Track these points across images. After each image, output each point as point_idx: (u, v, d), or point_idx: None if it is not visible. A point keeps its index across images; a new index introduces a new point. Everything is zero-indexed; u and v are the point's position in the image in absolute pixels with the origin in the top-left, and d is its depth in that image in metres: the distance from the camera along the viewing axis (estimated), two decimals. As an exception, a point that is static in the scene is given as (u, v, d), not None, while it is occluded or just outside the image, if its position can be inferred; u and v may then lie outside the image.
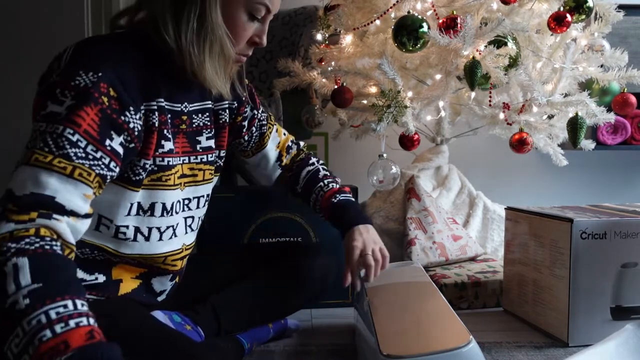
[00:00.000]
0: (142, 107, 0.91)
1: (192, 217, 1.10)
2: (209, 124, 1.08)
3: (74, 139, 0.81)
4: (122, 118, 0.87)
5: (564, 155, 1.67)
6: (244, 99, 1.16)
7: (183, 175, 1.05)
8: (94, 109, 0.83)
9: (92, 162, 0.83)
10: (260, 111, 1.23)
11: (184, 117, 1.03)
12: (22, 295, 0.70)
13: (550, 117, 1.62)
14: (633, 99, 1.54)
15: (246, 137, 1.23)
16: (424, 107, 1.55)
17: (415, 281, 1.20)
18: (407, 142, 1.57)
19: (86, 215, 0.84)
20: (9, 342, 0.69)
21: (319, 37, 1.74)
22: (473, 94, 1.64)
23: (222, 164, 1.16)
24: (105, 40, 0.92)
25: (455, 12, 1.42)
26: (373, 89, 1.59)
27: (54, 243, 0.76)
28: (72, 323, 0.70)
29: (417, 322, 0.99)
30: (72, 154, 0.81)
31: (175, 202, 1.03)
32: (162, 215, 1.01)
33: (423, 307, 1.05)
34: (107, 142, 0.85)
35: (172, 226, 1.04)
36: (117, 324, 0.86)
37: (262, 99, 1.78)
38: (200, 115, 1.06)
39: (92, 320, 0.72)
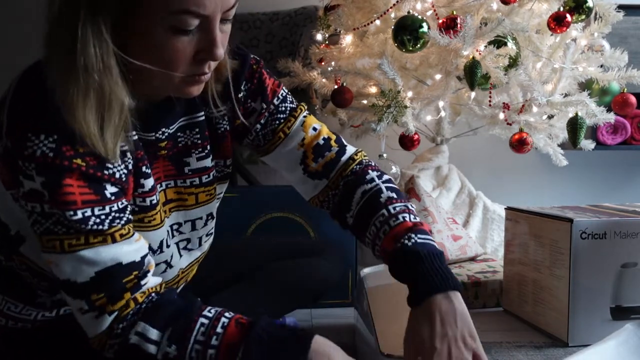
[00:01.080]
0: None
1: (188, 240, 0.96)
2: (199, 141, 0.90)
3: (80, 216, 0.72)
4: (105, 172, 0.75)
5: (564, 155, 1.67)
6: (240, 98, 0.93)
7: (168, 202, 0.90)
8: (72, 177, 0.72)
9: (118, 220, 0.76)
10: (274, 101, 0.94)
11: (163, 144, 0.87)
12: (166, 345, 0.73)
13: (550, 117, 1.62)
14: (633, 99, 1.54)
15: (251, 135, 0.97)
16: (424, 107, 1.55)
17: None
18: (407, 142, 1.57)
19: (149, 249, 0.82)
20: None
21: (319, 37, 1.74)
22: (473, 94, 1.64)
23: (230, 170, 1.00)
24: (42, 85, 0.73)
25: (455, 12, 1.42)
26: (373, 89, 1.59)
27: (152, 297, 0.77)
28: (219, 329, 0.74)
29: None
30: (97, 227, 0.73)
31: (163, 240, 0.90)
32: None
33: None
34: (107, 193, 0.75)
35: (165, 261, 0.93)
36: None
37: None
38: (187, 132, 0.90)
39: (228, 313, 0.76)
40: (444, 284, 0.78)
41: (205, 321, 0.74)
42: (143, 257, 0.78)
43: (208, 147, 0.92)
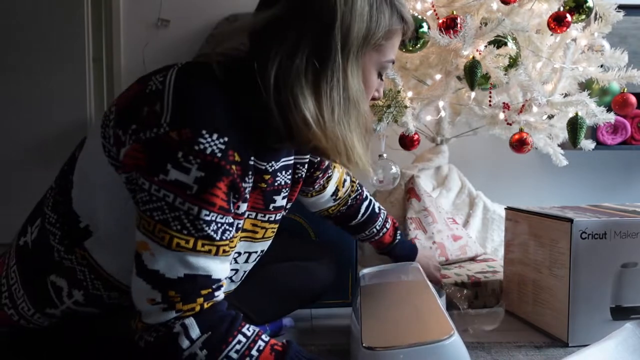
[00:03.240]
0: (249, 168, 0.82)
1: (236, 270, 0.98)
2: (289, 182, 0.97)
3: (210, 218, 0.75)
4: (243, 185, 0.79)
5: (564, 155, 1.67)
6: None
7: (243, 230, 0.92)
8: (225, 181, 0.75)
9: (228, 233, 0.78)
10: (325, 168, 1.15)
11: (267, 177, 0.91)
12: (198, 347, 0.74)
13: (550, 117, 1.62)
14: (633, 99, 1.54)
15: (316, 187, 1.18)
16: (424, 107, 1.55)
17: (409, 280, 1.19)
18: (407, 142, 1.57)
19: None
20: None
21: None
22: (473, 94, 1.64)
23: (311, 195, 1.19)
24: (214, 86, 0.78)
25: (455, 12, 1.42)
26: (373, 89, 1.59)
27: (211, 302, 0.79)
28: (254, 352, 0.76)
29: (402, 317, 0.98)
30: (212, 234, 0.76)
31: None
32: None
33: (411, 304, 1.04)
34: (232, 208, 0.79)
35: None
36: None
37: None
38: (284, 172, 0.95)
39: (265, 336, 0.78)
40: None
41: (243, 339, 0.76)
42: (224, 278, 0.80)
43: (289, 189, 0.98)
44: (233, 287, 1.01)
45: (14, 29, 2.39)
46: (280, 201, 0.96)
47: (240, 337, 0.76)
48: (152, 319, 0.76)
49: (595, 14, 1.60)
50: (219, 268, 0.78)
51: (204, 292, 0.76)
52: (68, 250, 0.85)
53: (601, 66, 1.59)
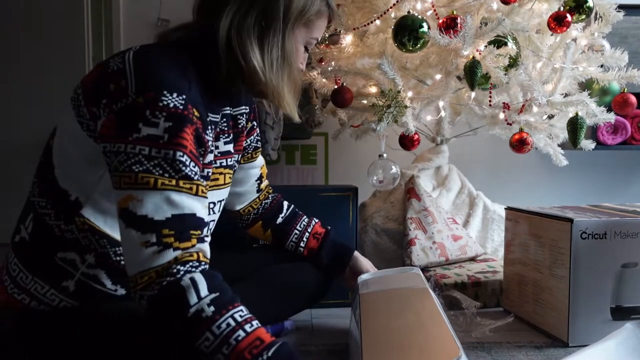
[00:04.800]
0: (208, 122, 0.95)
1: (214, 221, 1.10)
2: (226, 128, 1.09)
3: (185, 160, 0.85)
4: (205, 136, 0.91)
5: (564, 155, 1.67)
6: (254, 106, 1.19)
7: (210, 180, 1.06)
8: (190, 129, 0.86)
9: (200, 177, 0.88)
10: (257, 126, 1.26)
11: (217, 127, 1.05)
12: (206, 303, 0.79)
13: (550, 117, 1.62)
14: (633, 99, 1.54)
15: (250, 150, 1.23)
16: (424, 107, 1.55)
17: (411, 288, 1.14)
18: (407, 142, 1.57)
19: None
20: (197, 345, 0.78)
21: (319, 37, 1.74)
22: (473, 94, 1.64)
23: (240, 163, 1.19)
24: (167, 54, 0.91)
25: (455, 12, 1.42)
26: (373, 89, 1.59)
27: (208, 265, 0.85)
28: (254, 324, 0.81)
29: (405, 334, 0.93)
30: (190, 174, 0.85)
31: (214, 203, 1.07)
32: None
33: (414, 317, 0.99)
34: (199, 155, 0.89)
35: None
36: (119, 327, 0.90)
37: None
38: (223, 120, 1.08)
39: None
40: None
41: (245, 311, 0.82)
42: (208, 221, 0.88)
43: (231, 135, 1.10)
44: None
45: (14, 28, 2.39)
46: (223, 146, 1.08)
47: (242, 308, 0.82)
48: (147, 264, 0.81)
49: (595, 14, 1.60)
50: (201, 207, 0.86)
51: (194, 232, 0.84)
52: (67, 222, 0.92)
53: (601, 66, 1.59)
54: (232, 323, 0.79)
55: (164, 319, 0.81)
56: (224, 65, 0.95)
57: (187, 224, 0.83)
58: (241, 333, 0.78)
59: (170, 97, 0.84)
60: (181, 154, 0.84)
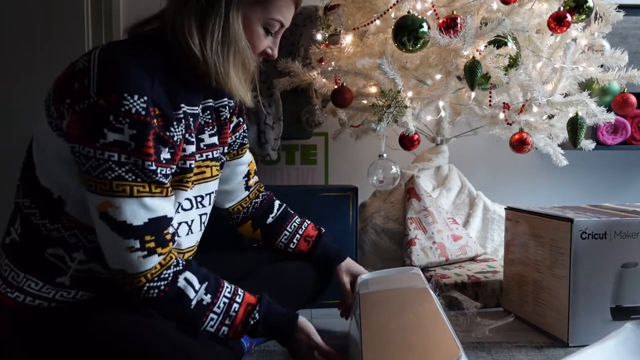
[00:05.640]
0: (175, 118, 0.94)
1: (205, 214, 1.12)
2: (210, 121, 1.09)
3: (154, 168, 0.89)
4: (168, 133, 0.92)
5: (564, 155, 1.67)
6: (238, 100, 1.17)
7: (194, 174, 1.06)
8: (152, 135, 0.88)
9: (166, 176, 0.92)
10: (244, 122, 1.25)
11: (198, 119, 1.05)
12: (203, 293, 0.95)
13: (550, 117, 1.62)
14: (633, 99, 1.54)
15: (229, 140, 1.20)
16: (424, 107, 1.55)
17: (411, 288, 1.14)
18: (407, 142, 1.57)
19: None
20: (204, 327, 0.96)
21: (319, 37, 1.74)
22: (473, 94, 1.63)
23: (226, 160, 1.19)
24: (132, 52, 0.91)
25: (455, 12, 1.42)
26: (373, 89, 1.59)
27: (182, 259, 0.96)
28: (240, 292, 1.00)
29: (405, 334, 0.93)
30: (160, 179, 0.90)
31: (191, 199, 1.08)
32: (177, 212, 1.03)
33: (414, 317, 0.99)
34: (162, 156, 0.91)
35: (187, 222, 1.06)
36: (117, 324, 0.90)
37: (262, 99, 1.78)
38: (206, 113, 1.08)
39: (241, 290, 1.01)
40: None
41: (229, 286, 0.99)
42: (172, 218, 0.95)
43: (215, 127, 1.11)
44: (199, 236, 1.12)
45: (14, 28, 2.39)
46: (207, 139, 1.08)
47: (226, 283, 0.99)
48: (135, 269, 0.89)
49: (596, 14, 1.60)
50: (171, 207, 0.94)
51: (167, 236, 0.92)
52: (53, 221, 0.94)
53: (601, 66, 1.59)
54: (226, 300, 0.97)
55: (171, 315, 0.94)
56: (179, 53, 0.94)
57: (162, 226, 0.92)
58: (235, 305, 0.98)
59: (131, 101, 0.85)
60: (149, 163, 0.88)
